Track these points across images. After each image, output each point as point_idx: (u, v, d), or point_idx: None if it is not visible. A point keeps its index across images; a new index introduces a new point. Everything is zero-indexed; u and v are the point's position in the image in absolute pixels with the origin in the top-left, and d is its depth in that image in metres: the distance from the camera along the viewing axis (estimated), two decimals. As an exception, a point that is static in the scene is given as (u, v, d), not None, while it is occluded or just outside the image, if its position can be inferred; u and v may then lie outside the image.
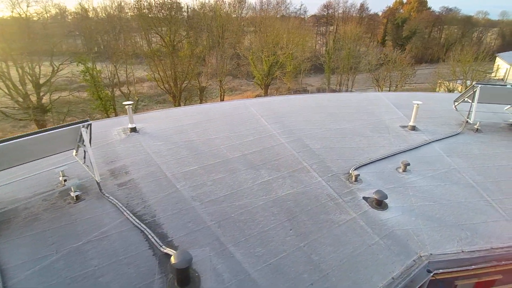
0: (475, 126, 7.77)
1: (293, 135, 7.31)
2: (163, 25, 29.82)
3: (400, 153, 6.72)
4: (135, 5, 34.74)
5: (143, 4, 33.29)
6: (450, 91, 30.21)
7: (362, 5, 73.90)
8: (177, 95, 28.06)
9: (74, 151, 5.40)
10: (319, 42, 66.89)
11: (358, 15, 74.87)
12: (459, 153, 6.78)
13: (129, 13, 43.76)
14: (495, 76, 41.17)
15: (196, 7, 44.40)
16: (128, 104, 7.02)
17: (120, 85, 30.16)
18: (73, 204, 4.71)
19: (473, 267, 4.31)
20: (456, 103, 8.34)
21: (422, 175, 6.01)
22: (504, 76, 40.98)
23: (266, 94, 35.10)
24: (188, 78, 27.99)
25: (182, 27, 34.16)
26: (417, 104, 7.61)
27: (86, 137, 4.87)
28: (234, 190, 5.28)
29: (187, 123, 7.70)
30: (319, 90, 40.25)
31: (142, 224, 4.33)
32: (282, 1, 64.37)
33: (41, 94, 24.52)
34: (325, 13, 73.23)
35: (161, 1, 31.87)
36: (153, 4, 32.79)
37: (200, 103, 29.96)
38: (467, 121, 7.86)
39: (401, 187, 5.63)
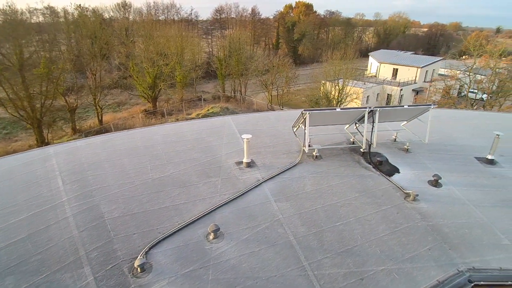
0: (314, 153, 7.07)
1: (88, 200, 5.55)
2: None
3: (220, 206, 5.50)
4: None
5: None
6: (325, 93, 31.98)
7: (253, 10, 75.51)
8: (35, 121, 23.66)
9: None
10: (216, 47, 66.04)
11: (250, 19, 76.41)
12: (289, 194, 5.86)
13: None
14: (369, 73, 45.86)
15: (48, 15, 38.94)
16: None
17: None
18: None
19: None
20: (294, 129, 7.61)
21: (236, 239, 4.84)
22: (376, 73, 45.83)
23: (154, 107, 32.51)
24: (50, 98, 23.80)
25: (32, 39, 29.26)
26: (247, 138, 6.54)
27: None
28: None
29: None
30: (215, 98, 39.23)
31: None
32: (171, 5, 61.77)
33: None
34: (218, 17, 72.91)
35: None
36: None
37: (73, 126, 26.02)
38: (303, 149, 7.11)
39: (201, 268, 4.33)
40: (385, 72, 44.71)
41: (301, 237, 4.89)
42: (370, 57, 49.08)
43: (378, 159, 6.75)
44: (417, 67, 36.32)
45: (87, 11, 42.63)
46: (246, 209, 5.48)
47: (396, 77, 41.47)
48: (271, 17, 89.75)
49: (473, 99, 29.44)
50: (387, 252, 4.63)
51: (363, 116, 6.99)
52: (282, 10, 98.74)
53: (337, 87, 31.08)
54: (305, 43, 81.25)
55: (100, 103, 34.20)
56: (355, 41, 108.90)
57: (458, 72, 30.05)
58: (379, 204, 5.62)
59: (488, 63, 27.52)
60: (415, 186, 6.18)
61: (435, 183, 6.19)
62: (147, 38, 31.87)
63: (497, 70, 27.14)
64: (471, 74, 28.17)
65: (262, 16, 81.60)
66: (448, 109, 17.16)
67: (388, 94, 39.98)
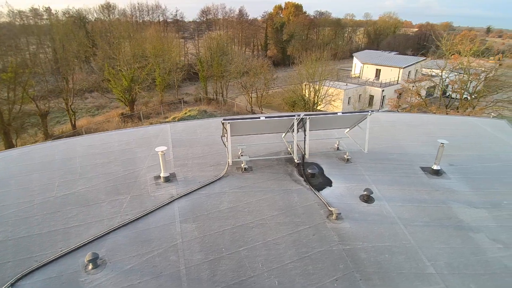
0: (242, 166, 6.46)
1: (-32, 223, 4.89)
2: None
3: (116, 229, 4.87)
4: None
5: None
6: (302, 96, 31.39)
7: (240, 10, 74.84)
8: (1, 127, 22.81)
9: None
10: (202, 48, 65.16)
11: (238, 20, 75.75)
12: (200, 214, 5.24)
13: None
14: (353, 74, 45.43)
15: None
16: None
17: None
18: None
19: None
20: (224, 138, 6.98)
21: (119, 268, 4.20)
22: (360, 73, 45.39)
23: (132, 111, 31.73)
24: (18, 103, 22.95)
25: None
26: (162, 151, 5.91)
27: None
28: None
29: None
30: (196, 100, 38.54)
31: None
32: (157, 6, 60.78)
33: None
34: (204, 19, 72.13)
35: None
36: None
37: (45, 132, 25.20)
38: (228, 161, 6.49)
39: (61, 310, 3.70)
40: (368, 72, 44.25)
41: (193, 266, 4.27)
42: (354, 57, 48.72)
43: (309, 171, 6.15)
44: (399, 68, 35.96)
45: (67, 13, 41.75)
46: (144, 232, 4.85)
47: (379, 77, 41.12)
48: (259, 18, 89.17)
49: (450, 99, 29.00)
50: (286, 284, 4.03)
51: (298, 124, 6.42)
52: (272, 11, 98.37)
53: (312, 88, 30.56)
54: (294, 44, 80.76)
55: (77, 107, 33.37)
56: (346, 41, 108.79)
57: (439, 72, 29.58)
58: (297, 224, 5.02)
59: (460, 63, 27.10)
60: (344, 202, 5.60)
61: (367, 198, 5.61)
62: (123, 40, 31.10)
63: (471, 70, 26.70)
64: (443, 74, 27.81)
65: (249, 17, 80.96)
66: (403, 114, 16.69)
67: (370, 95, 39.54)
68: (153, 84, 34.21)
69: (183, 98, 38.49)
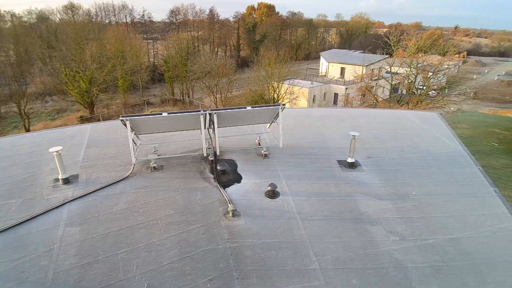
0: (151, 164, 6.19)
1: None
2: None
3: (-10, 236, 4.50)
4: None
5: None
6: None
7: (211, 10, 74.21)
8: None
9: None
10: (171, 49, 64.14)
11: (209, 20, 75.07)
12: (90, 216, 4.94)
13: None
14: (320, 73, 46.08)
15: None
16: None
17: None
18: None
19: None
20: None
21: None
22: (326, 72, 46.09)
23: (92, 113, 30.70)
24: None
25: None
26: (57, 151, 5.56)
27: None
28: None
29: None
30: (163, 101, 37.85)
31: None
32: (123, 6, 59.22)
33: None
34: (173, 19, 71.03)
35: None
36: None
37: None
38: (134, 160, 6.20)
39: None
40: (334, 71, 44.96)
41: (62, 271, 3.98)
42: (321, 57, 49.41)
43: (219, 168, 5.97)
44: (362, 66, 36.66)
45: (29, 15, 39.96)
46: (22, 238, 4.51)
47: (344, 76, 41.85)
48: (232, 18, 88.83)
49: (402, 95, 29.62)
50: (156, 286, 3.81)
51: (209, 120, 6.23)
52: (245, 11, 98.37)
53: (271, 88, 30.69)
54: (267, 44, 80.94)
55: (37, 111, 31.99)
56: (319, 41, 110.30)
57: (404, 69, 30.25)
58: (190, 223, 4.82)
59: (405, 58, 27.76)
60: (248, 198, 5.45)
61: (272, 194, 5.48)
62: (81, 41, 30.06)
63: (416, 66, 27.35)
64: (391, 70, 28.55)
65: (221, 18, 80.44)
66: (337, 109, 16.94)
67: (335, 93, 40.11)
68: (116, 86, 33.24)
69: (148, 100, 37.67)
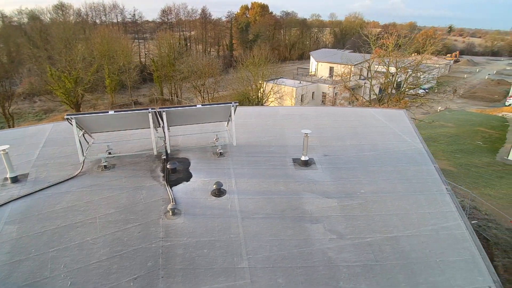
0: (102, 163, 6.18)
1: None
2: None
3: None
4: None
5: None
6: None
7: (203, 10, 74.02)
8: None
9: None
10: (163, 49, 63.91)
11: (201, 20, 74.85)
12: (29, 215, 4.92)
13: None
14: (310, 72, 46.22)
15: None
16: None
17: None
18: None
19: None
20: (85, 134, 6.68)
21: None
22: (315, 71, 46.25)
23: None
24: None
25: None
26: (4, 150, 5.53)
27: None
28: None
29: None
30: (152, 101, 37.78)
31: None
32: (114, 6, 58.94)
33: None
34: (164, 19, 70.77)
35: None
36: None
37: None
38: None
39: None
40: (323, 70, 45.13)
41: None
42: (311, 56, 49.57)
43: (169, 166, 5.96)
44: (351, 65, 36.77)
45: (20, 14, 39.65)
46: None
47: (332, 75, 41.95)
48: (224, 18, 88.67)
49: (383, 94, 29.75)
50: (79, 284, 3.81)
51: (159, 119, 6.23)
52: (238, 11, 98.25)
53: (255, 87, 30.77)
54: (260, 43, 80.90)
55: (25, 111, 31.81)
56: (312, 41, 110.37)
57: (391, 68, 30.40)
58: (128, 221, 4.82)
59: (381, 58, 27.92)
60: (193, 196, 5.45)
61: (217, 192, 5.49)
62: (66, 41, 29.89)
63: (395, 64, 27.48)
64: (370, 69, 28.73)
65: (213, 17, 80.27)
66: (305, 107, 16.97)
67: (323, 92, 40.20)
68: (104, 86, 33.10)
69: (137, 99, 37.57)
